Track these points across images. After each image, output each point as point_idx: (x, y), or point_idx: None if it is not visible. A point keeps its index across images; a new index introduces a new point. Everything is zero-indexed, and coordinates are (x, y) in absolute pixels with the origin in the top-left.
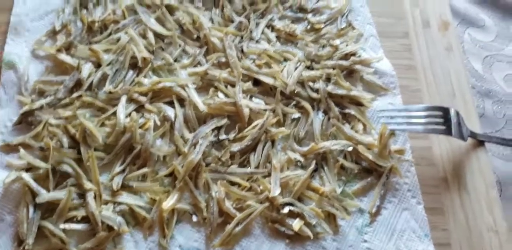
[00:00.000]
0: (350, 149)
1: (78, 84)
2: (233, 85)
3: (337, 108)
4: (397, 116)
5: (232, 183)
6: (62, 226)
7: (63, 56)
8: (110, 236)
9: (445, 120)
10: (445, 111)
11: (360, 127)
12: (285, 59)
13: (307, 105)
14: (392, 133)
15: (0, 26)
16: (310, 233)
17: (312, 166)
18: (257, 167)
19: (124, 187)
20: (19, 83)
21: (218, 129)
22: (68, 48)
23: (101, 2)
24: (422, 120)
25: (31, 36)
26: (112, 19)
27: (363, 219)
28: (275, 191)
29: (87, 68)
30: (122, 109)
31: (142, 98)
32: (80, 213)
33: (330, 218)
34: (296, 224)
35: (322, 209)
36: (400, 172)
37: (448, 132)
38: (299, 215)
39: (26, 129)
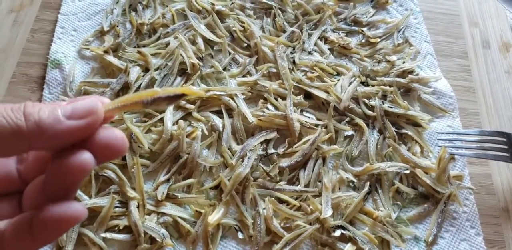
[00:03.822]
0: (407, 172)
1: (124, 87)
2: (283, 98)
3: (393, 128)
4: (457, 140)
5: (280, 201)
6: (103, 235)
7: (111, 58)
8: (152, 249)
9: (508, 147)
10: (508, 137)
11: (417, 149)
12: (338, 73)
13: (361, 122)
14: (452, 157)
15: (48, 24)
16: None
17: (366, 188)
18: (307, 185)
19: (169, 197)
20: (64, 83)
21: (267, 142)
22: (115, 50)
23: (150, 4)
24: (484, 146)
25: (78, 35)
26: (161, 22)
27: (418, 248)
28: (326, 212)
29: (135, 72)
30: (169, 116)
31: (190, 106)
32: (122, 223)
33: (384, 244)
34: (348, 249)
35: (376, 235)
36: (460, 200)
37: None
38: (351, 240)
39: None
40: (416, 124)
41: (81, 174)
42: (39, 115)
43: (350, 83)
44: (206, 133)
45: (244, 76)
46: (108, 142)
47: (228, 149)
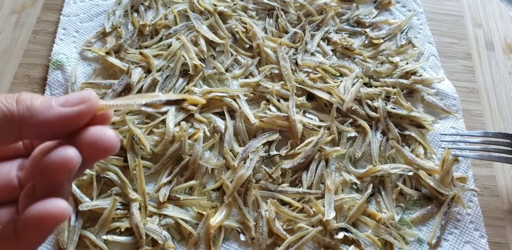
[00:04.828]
0: (410, 173)
1: (126, 88)
2: (285, 99)
3: (396, 130)
4: (460, 141)
5: (283, 203)
6: (104, 237)
7: (113, 59)
8: None
9: None
10: None
11: (420, 150)
12: (341, 74)
13: (364, 124)
14: (456, 159)
15: (50, 26)
16: None
17: (369, 190)
18: (309, 187)
19: (170, 199)
20: (66, 85)
21: (269, 144)
22: (117, 51)
23: (152, 5)
24: (488, 147)
25: (80, 37)
26: (163, 24)
27: None
28: (329, 215)
29: (137, 73)
30: (171, 117)
31: (192, 108)
32: (124, 225)
33: (387, 246)
34: None
35: (379, 237)
36: (463, 202)
37: None
38: (354, 242)
39: None
40: (419, 125)
41: (64, 169)
42: (31, 101)
43: (353, 84)
44: (208, 134)
45: (246, 77)
46: (97, 140)
47: (230, 150)
